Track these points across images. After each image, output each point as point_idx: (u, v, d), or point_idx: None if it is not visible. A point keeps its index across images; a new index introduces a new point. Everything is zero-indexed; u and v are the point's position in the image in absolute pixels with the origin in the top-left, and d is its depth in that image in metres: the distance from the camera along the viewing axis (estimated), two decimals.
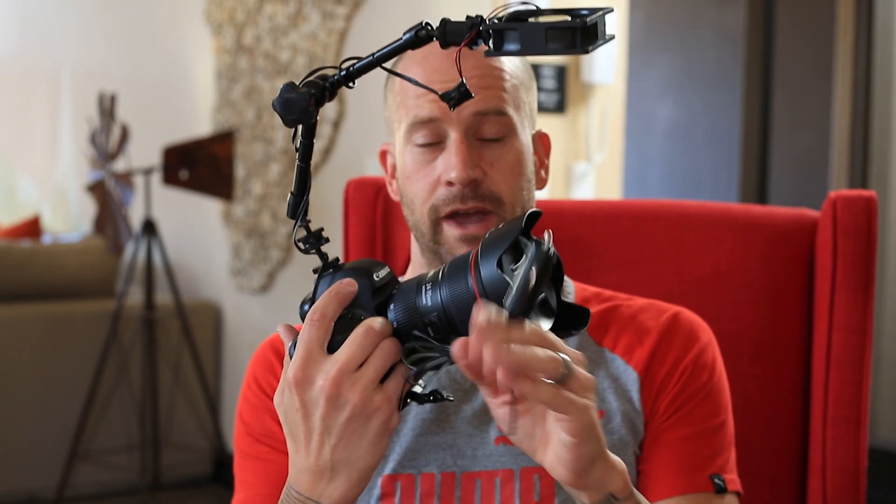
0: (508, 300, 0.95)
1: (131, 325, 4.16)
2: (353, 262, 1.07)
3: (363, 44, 3.84)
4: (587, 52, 0.93)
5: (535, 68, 3.29)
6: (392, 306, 1.04)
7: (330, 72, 1.02)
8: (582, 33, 0.92)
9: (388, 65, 1.01)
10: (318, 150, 3.91)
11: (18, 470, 4.16)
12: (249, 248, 4.33)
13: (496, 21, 0.95)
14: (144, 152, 4.43)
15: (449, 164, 1.25)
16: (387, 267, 1.07)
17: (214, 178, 3.98)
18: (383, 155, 1.39)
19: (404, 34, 0.99)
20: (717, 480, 1.26)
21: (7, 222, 5.70)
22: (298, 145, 1.03)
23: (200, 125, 4.57)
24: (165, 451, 4.24)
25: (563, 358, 0.95)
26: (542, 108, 3.67)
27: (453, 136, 1.26)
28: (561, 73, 3.76)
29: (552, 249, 0.96)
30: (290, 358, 1.04)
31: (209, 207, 4.53)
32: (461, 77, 0.99)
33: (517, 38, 0.94)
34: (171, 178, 3.96)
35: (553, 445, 0.98)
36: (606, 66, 3.79)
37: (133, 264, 4.05)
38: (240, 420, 1.32)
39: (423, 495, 1.26)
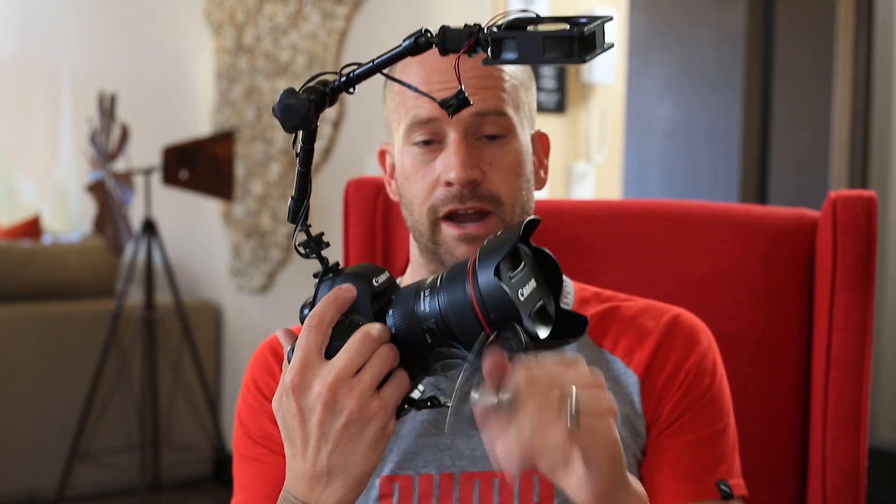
0: (448, 415, 1.01)
1: (131, 325, 4.16)
2: (352, 267, 1.07)
3: (363, 44, 3.84)
4: (584, 61, 0.93)
5: (535, 68, 3.29)
6: (391, 312, 1.04)
7: (330, 77, 1.03)
8: (580, 42, 0.92)
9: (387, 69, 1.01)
10: (318, 151, 3.91)
11: (18, 470, 4.16)
12: (249, 248, 4.33)
13: (495, 29, 0.95)
14: (144, 152, 4.43)
15: (448, 165, 1.25)
16: (386, 272, 1.07)
17: (214, 178, 3.98)
18: (382, 155, 1.39)
19: (404, 41, 0.99)
20: (723, 487, 1.26)
21: (7, 222, 5.69)
22: (299, 150, 1.03)
23: (200, 125, 4.57)
24: (165, 451, 4.24)
25: (571, 400, 0.95)
26: (542, 108, 3.66)
27: (452, 137, 1.25)
28: (561, 73, 3.76)
29: (490, 356, 0.97)
30: (289, 363, 1.04)
31: (209, 207, 4.53)
32: (460, 84, 0.99)
33: (515, 47, 0.94)
34: (171, 178, 3.96)
35: (574, 469, 0.98)
36: (606, 66, 3.79)
37: (133, 264, 4.05)
38: (238, 422, 1.32)
39: (422, 496, 1.26)
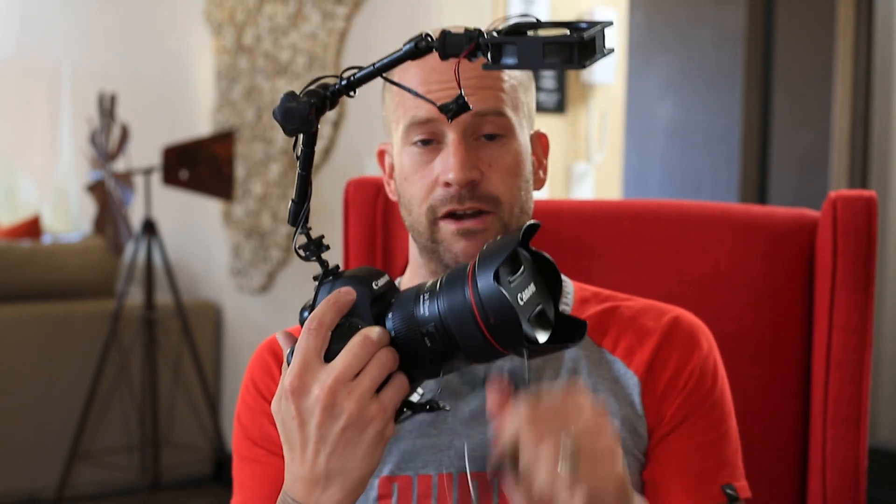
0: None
1: (131, 325, 4.16)
2: (352, 269, 1.07)
3: (363, 44, 3.84)
4: (584, 67, 0.93)
5: None
6: (390, 315, 1.04)
7: (331, 80, 1.03)
8: (579, 48, 0.92)
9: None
10: (318, 151, 3.91)
11: (18, 470, 4.16)
12: (249, 248, 4.33)
13: (495, 34, 0.95)
14: (144, 152, 4.43)
15: (447, 165, 1.25)
16: (386, 275, 1.07)
17: (214, 178, 3.98)
18: (381, 155, 1.38)
19: (404, 45, 0.99)
20: (728, 490, 1.26)
21: (7, 222, 5.69)
22: (299, 153, 1.03)
23: (200, 125, 4.57)
24: (165, 451, 4.24)
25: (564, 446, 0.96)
26: (541, 108, 3.66)
27: (451, 137, 1.25)
28: (561, 73, 3.76)
29: None
30: (288, 366, 1.04)
31: (209, 207, 4.53)
32: (460, 90, 1.00)
33: (515, 52, 0.94)
34: (171, 178, 3.96)
35: (580, 491, 0.99)
36: (607, 66, 3.79)
37: (133, 264, 4.05)
38: (238, 423, 1.32)
39: (420, 496, 1.26)
